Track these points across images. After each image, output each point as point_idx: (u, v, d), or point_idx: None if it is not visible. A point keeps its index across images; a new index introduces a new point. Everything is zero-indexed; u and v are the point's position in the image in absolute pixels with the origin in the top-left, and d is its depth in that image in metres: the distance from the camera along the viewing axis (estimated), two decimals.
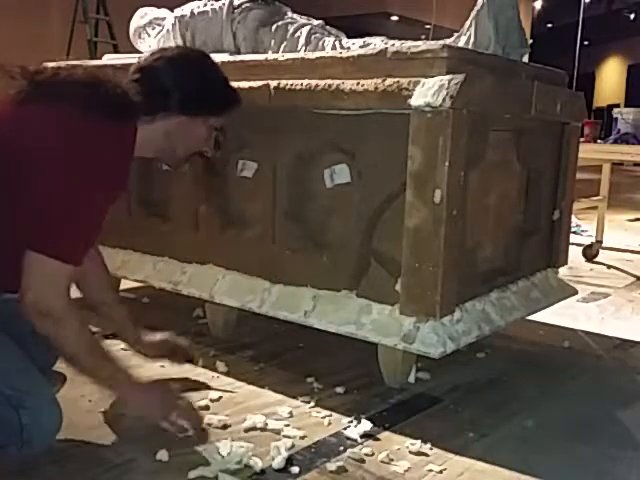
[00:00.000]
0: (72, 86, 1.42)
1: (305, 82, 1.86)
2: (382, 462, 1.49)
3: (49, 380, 1.57)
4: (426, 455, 1.53)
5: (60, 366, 1.84)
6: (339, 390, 1.86)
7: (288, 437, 1.57)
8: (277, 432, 1.59)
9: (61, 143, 1.36)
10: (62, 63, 1.55)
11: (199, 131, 1.59)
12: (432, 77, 1.66)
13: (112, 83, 1.46)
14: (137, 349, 1.84)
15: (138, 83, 1.50)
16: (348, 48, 2.16)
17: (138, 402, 1.53)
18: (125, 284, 2.58)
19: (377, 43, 2.10)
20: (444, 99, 1.61)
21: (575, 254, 3.77)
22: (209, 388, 1.84)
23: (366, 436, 1.60)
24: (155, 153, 1.58)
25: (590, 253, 4.04)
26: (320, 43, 2.23)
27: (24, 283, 1.35)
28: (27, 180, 1.34)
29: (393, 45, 1.84)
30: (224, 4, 2.40)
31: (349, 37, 2.31)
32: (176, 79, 1.52)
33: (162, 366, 1.99)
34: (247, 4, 2.39)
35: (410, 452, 1.54)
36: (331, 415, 1.71)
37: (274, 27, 2.32)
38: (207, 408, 1.72)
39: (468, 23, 2.01)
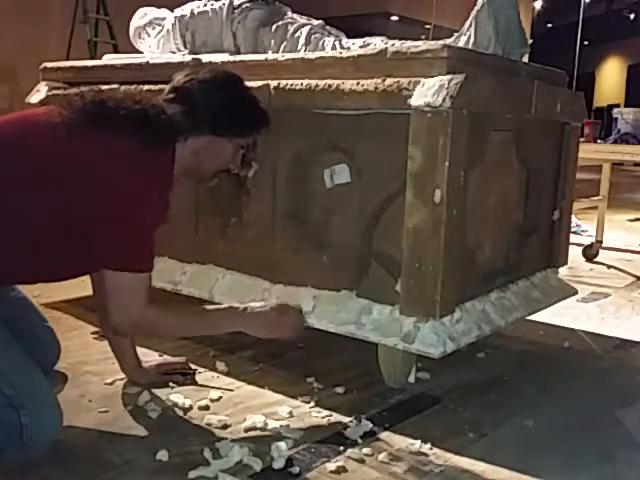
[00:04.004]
0: (123, 117, 1.47)
1: (305, 82, 1.86)
2: (382, 462, 1.49)
3: (50, 380, 1.57)
4: (426, 455, 1.53)
5: (61, 366, 1.85)
6: (339, 390, 1.86)
7: (288, 437, 1.57)
8: (277, 432, 1.60)
9: (122, 174, 1.43)
10: (105, 89, 1.66)
11: (226, 150, 1.64)
12: (432, 77, 1.66)
13: (156, 108, 1.53)
14: (133, 378, 1.85)
15: (173, 104, 1.55)
16: (348, 48, 2.16)
17: (264, 328, 1.61)
18: None
19: (377, 43, 2.10)
20: (444, 99, 1.61)
21: (575, 254, 3.77)
22: (209, 388, 1.84)
23: (366, 436, 1.60)
24: (183, 171, 1.62)
25: (590, 253, 4.04)
26: (320, 43, 2.23)
27: (108, 300, 1.47)
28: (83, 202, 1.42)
29: (393, 45, 1.84)
30: (224, 4, 2.40)
31: (349, 37, 2.31)
32: (207, 99, 1.56)
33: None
34: (247, 4, 2.39)
35: (410, 452, 1.54)
36: (331, 415, 1.71)
37: (274, 27, 2.31)
38: (207, 408, 1.72)
39: (468, 23, 2.00)
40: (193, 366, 1.94)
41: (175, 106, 1.54)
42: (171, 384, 1.83)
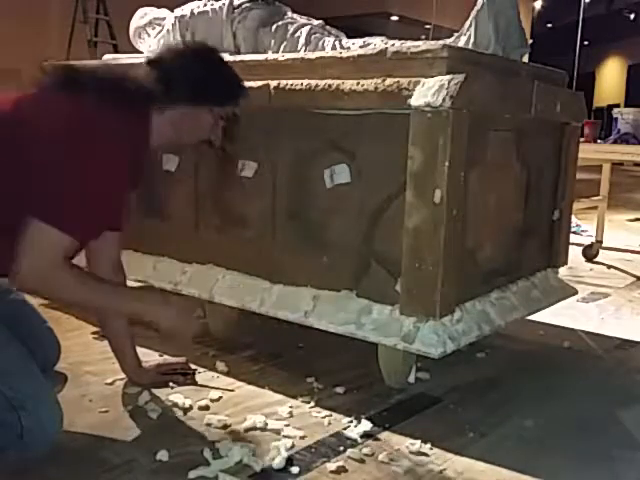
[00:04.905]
0: (94, 78, 1.48)
1: (305, 82, 1.86)
2: (382, 462, 1.49)
3: (50, 380, 1.57)
4: (426, 455, 1.53)
5: (61, 366, 1.85)
6: (339, 390, 1.86)
7: (288, 437, 1.57)
8: (277, 432, 1.60)
9: (79, 124, 1.41)
10: (84, 62, 1.64)
11: (206, 120, 1.62)
12: (432, 77, 1.66)
13: (129, 77, 1.53)
14: (133, 378, 1.85)
15: (149, 75, 1.55)
16: (348, 48, 2.16)
17: (169, 314, 1.57)
18: None
19: (377, 43, 2.10)
20: (444, 99, 1.61)
21: (575, 254, 3.77)
22: (209, 388, 1.84)
23: (366, 436, 1.60)
24: (163, 143, 1.61)
25: (590, 253, 4.04)
26: (320, 43, 2.23)
27: (21, 250, 1.37)
28: (40, 157, 1.38)
29: (393, 45, 1.84)
30: (224, 4, 2.40)
31: (349, 37, 2.31)
32: (183, 70, 1.56)
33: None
34: (247, 4, 2.39)
35: (410, 452, 1.54)
36: (331, 415, 1.71)
37: (274, 27, 2.31)
38: (207, 408, 1.72)
39: (468, 23, 2.01)
40: (193, 366, 1.94)
41: (150, 76, 1.54)
42: (171, 384, 1.83)
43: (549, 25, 21.16)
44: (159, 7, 2.69)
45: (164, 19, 2.54)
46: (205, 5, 2.46)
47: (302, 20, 2.37)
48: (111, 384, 1.83)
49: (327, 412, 1.72)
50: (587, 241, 4.20)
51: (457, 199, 1.69)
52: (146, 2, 2.93)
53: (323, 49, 2.20)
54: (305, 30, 2.28)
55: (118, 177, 1.45)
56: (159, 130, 1.57)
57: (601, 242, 4.16)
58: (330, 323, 1.87)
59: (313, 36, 2.26)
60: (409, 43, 1.83)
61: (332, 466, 1.45)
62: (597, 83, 22.27)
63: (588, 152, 3.69)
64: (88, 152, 1.40)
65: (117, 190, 1.47)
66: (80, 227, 1.42)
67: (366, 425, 1.64)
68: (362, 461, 1.49)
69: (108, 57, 2.66)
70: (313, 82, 1.85)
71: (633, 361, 2.26)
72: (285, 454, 1.47)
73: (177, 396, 1.75)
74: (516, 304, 2.04)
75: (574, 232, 3.94)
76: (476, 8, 1.99)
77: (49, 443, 1.41)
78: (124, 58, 2.50)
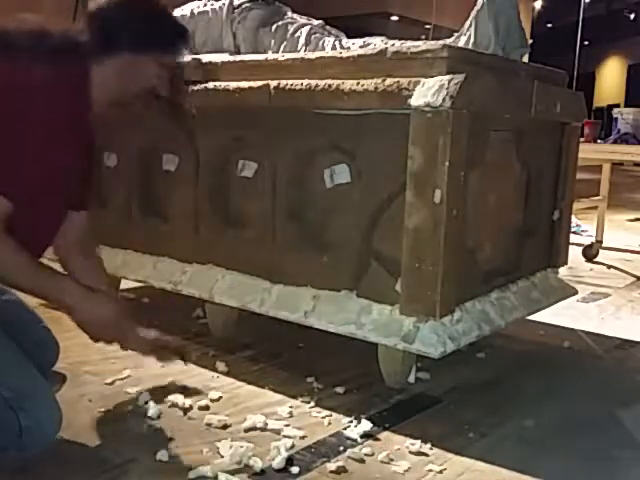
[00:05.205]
0: (26, 37, 1.41)
1: (305, 82, 1.86)
2: (382, 462, 1.49)
3: (48, 380, 1.57)
4: (426, 455, 1.53)
5: (61, 366, 1.85)
6: (339, 390, 1.86)
7: (288, 437, 1.57)
8: (277, 432, 1.59)
9: (8, 84, 1.36)
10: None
11: (149, 69, 1.56)
12: (432, 77, 1.66)
13: (60, 30, 1.46)
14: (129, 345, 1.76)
15: (85, 27, 1.50)
16: (348, 48, 2.16)
17: (88, 310, 1.48)
18: (125, 284, 2.58)
19: (377, 43, 2.10)
20: (444, 99, 1.61)
21: (575, 254, 3.77)
22: (209, 388, 1.84)
23: (366, 436, 1.60)
24: (108, 96, 1.55)
25: (590, 253, 4.04)
26: (320, 43, 2.23)
27: None
28: None
29: (393, 45, 1.84)
30: (224, 4, 2.40)
31: (349, 37, 2.31)
32: (121, 18, 1.52)
33: (162, 366, 1.99)
34: (247, 4, 2.39)
35: (410, 452, 1.54)
36: (331, 415, 1.71)
37: (274, 27, 2.32)
38: (207, 408, 1.72)
39: (468, 23, 2.01)
40: (193, 366, 1.93)
41: (84, 28, 1.50)
42: (171, 380, 1.82)
43: (549, 25, 21.18)
44: None
45: None
46: (205, 5, 2.46)
47: (302, 20, 2.37)
48: (111, 384, 1.83)
49: (327, 412, 1.72)
50: (587, 241, 4.20)
51: (457, 199, 1.69)
52: None
53: (323, 49, 2.20)
54: (305, 30, 2.28)
55: (53, 133, 1.39)
56: (102, 82, 1.51)
57: (601, 242, 4.16)
58: (330, 323, 1.87)
59: (313, 36, 2.26)
60: (409, 43, 1.83)
61: (332, 466, 1.45)
62: (597, 83, 22.28)
63: (588, 152, 3.69)
64: (19, 111, 1.35)
65: (53, 147, 1.40)
66: (7, 185, 1.35)
67: (366, 425, 1.64)
68: (362, 461, 1.49)
69: None
70: (313, 82, 1.85)
71: (633, 361, 2.26)
72: (285, 454, 1.47)
73: (177, 396, 1.75)
74: (516, 304, 2.04)
75: (574, 232, 3.94)
76: (476, 8, 1.99)
77: (48, 442, 1.41)
78: None
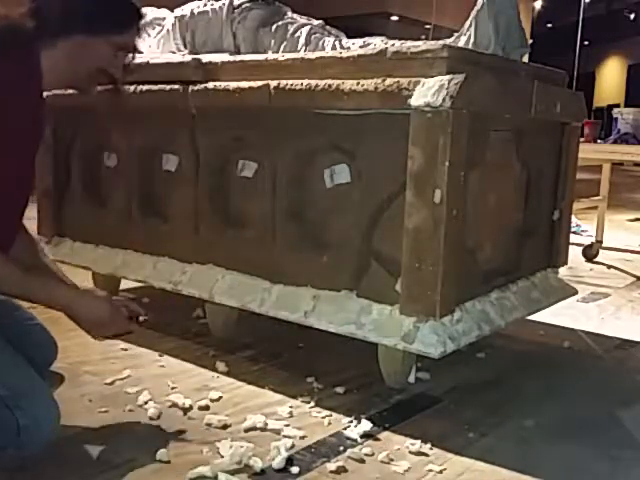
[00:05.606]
0: None
1: (305, 82, 1.86)
2: (382, 462, 1.49)
3: (46, 380, 1.56)
4: (426, 455, 1.53)
5: (60, 366, 1.85)
6: (339, 390, 1.86)
7: (288, 437, 1.57)
8: (277, 432, 1.60)
9: None
10: None
11: (101, 50, 1.54)
12: (432, 77, 1.66)
13: (1, 16, 1.42)
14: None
15: (32, 11, 1.45)
16: (348, 48, 2.16)
17: (85, 309, 1.50)
18: (125, 284, 2.58)
19: (377, 43, 2.10)
20: (444, 99, 1.61)
21: (575, 254, 3.77)
22: (209, 388, 1.84)
23: (366, 436, 1.60)
24: (61, 80, 1.54)
25: (590, 253, 4.04)
26: (320, 43, 2.23)
27: None
28: None
29: (393, 45, 1.84)
30: (224, 4, 2.40)
31: (349, 37, 2.31)
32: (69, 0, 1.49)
33: (162, 366, 1.99)
34: (247, 4, 2.39)
35: (410, 452, 1.54)
36: (331, 415, 1.71)
37: (274, 27, 2.32)
38: (207, 408, 1.72)
39: (468, 23, 2.01)
40: (193, 366, 1.94)
41: (30, 13, 1.44)
42: (171, 380, 1.83)
43: (549, 25, 21.18)
44: (159, 7, 2.68)
45: (164, 19, 2.54)
46: (205, 5, 2.46)
47: (302, 20, 2.37)
48: (110, 384, 1.83)
49: (327, 412, 1.72)
50: (587, 241, 4.20)
51: (457, 199, 1.69)
52: (146, 2, 2.92)
53: (323, 49, 2.20)
54: (305, 30, 2.28)
55: (3, 121, 1.35)
56: (52, 66, 1.47)
57: (601, 242, 4.16)
58: (330, 323, 1.87)
59: (313, 36, 2.26)
60: (409, 43, 1.83)
61: (332, 466, 1.45)
62: (597, 83, 22.29)
63: (588, 152, 3.69)
64: None
65: (4, 136, 1.37)
66: None
67: (366, 425, 1.64)
68: (362, 461, 1.49)
69: None
70: (313, 82, 1.85)
71: (633, 361, 2.26)
72: (285, 454, 1.47)
73: (177, 396, 1.75)
74: (516, 304, 2.04)
75: (574, 232, 3.94)
76: (476, 8, 1.99)
77: (47, 441, 1.40)
78: None
